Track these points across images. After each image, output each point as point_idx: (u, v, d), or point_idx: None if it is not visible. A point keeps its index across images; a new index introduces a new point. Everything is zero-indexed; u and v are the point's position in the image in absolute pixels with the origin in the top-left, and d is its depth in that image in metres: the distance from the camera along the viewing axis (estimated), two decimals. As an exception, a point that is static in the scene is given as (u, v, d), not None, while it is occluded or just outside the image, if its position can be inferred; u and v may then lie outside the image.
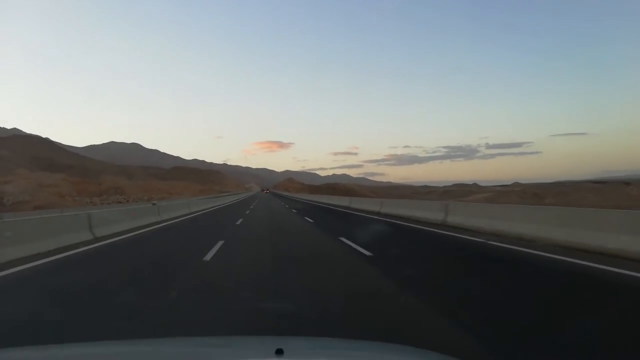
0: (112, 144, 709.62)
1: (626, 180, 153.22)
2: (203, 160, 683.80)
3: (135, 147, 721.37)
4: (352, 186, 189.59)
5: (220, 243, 9.54)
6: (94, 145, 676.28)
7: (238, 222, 16.85)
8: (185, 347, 1.84)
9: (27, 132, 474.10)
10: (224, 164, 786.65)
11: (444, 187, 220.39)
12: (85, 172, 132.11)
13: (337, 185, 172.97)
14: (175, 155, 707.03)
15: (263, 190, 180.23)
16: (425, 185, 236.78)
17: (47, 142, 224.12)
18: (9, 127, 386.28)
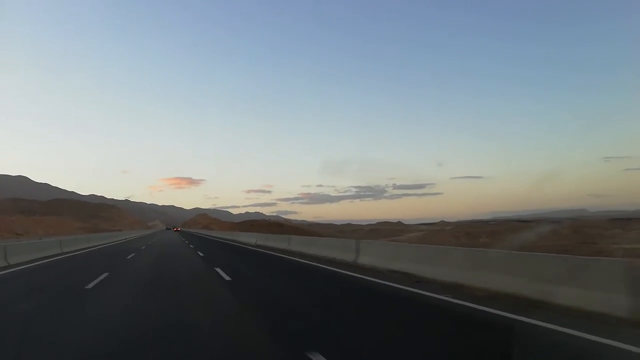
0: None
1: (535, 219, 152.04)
2: (102, 196, 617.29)
3: (22, 179, 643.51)
4: (298, 225, 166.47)
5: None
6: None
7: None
8: None
9: None
10: (126, 200, 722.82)
11: (367, 225, 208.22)
12: None
13: (285, 222, 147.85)
14: (70, 190, 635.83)
15: (174, 229, 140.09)
16: (349, 224, 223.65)
17: None
18: None
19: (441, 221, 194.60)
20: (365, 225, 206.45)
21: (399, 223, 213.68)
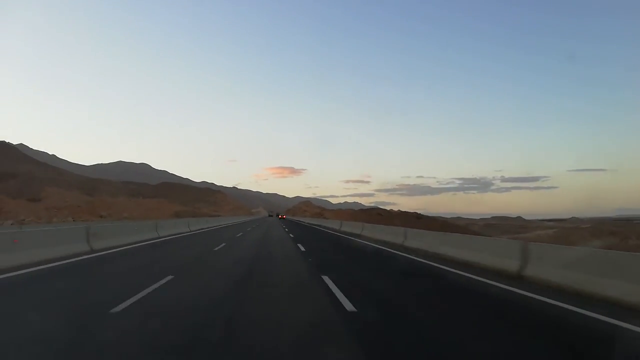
0: (120, 163, 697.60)
1: None
2: (212, 183, 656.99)
3: (144, 167, 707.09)
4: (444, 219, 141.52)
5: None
6: (101, 164, 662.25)
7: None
8: None
9: (35, 148, 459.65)
10: (234, 188, 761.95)
11: (480, 219, 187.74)
12: (28, 182, 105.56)
13: (422, 216, 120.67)
14: (185, 177, 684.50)
15: (279, 216, 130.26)
16: (459, 217, 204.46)
17: (2, 146, 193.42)
18: (15, 143, 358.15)
19: (572, 217, 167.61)
20: (478, 219, 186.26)
21: (519, 218, 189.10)
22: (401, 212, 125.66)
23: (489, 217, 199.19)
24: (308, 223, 59.77)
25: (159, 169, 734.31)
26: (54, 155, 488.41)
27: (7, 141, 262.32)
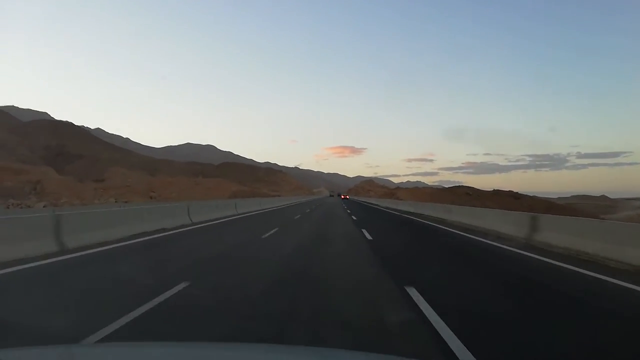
0: (188, 144, 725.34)
1: None
2: (275, 164, 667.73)
3: (210, 148, 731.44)
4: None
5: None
6: (170, 146, 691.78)
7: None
8: (179, 354, 1.67)
9: (110, 132, 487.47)
10: (296, 168, 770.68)
11: (558, 198, 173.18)
12: (94, 163, 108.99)
13: (520, 195, 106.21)
14: (249, 157, 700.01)
15: (341, 196, 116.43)
16: (534, 197, 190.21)
17: (78, 130, 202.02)
18: (92, 127, 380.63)
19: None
20: (556, 198, 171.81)
21: (603, 197, 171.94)
22: (495, 190, 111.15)
23: (568, 195, 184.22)
24: (391, 209, 36.88)
25: (224, 150, 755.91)
26: (127, 139, 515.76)
27: (84, 126, 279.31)
